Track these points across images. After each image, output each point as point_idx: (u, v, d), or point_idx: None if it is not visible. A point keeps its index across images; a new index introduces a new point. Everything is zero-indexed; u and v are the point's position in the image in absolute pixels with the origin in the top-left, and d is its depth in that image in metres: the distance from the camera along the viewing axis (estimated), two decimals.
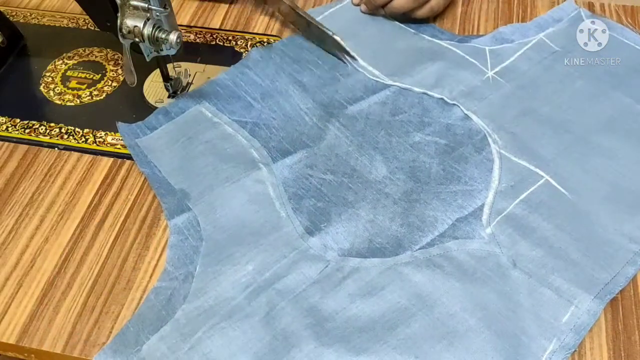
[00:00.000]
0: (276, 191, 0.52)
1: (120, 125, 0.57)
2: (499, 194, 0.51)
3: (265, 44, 0.66)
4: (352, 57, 0.61)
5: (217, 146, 0.55)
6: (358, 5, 0.67)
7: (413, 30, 0.65)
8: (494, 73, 0.60)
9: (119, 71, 0.63)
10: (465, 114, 0.57)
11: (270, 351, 0.43)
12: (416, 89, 0.59)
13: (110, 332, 0.45)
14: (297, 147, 0.56)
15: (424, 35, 0.64)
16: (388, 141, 0.56)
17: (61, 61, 0.65)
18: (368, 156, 0.55)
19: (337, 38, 0.61)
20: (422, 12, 0.64)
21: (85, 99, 0.61)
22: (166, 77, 0.58)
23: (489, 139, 0.55)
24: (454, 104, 0.58)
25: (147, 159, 0.55)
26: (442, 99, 0.58)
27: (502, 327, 0.43)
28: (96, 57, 0.65)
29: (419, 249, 0.48)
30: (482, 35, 0.65)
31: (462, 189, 0.52)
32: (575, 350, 0.43)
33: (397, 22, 0.66)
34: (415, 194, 0.52)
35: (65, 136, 0.58)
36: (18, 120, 0.59)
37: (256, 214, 0.51)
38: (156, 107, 0.59)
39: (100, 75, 0.63)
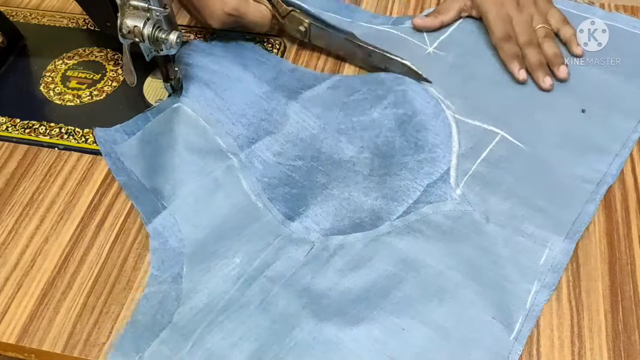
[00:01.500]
0: (249, 183, 0.52)
1: (97, 130, 0.55)
2: (462, 157, 0.54)
3: (265, 44, 0.66)
4: (426, 80, 0.59)
5: (182, 134, 0.54)
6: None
7: (349, 20, 0.66)
8: (433, 48, 0.63)
9: (119, 71, 0.63)
10: (417, 81, 0.59)
11: (272, 335, 0.44)
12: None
13: (110, 332, 0.45)
14: (260, 134, 0.55)
15: (361, 23, 0.65)
16: (349, 121, 0.57)
17: (61, 61, 0.65)
18: (332, 138, 0.56)
19: (407, 63, 0.59)
20: (569, 32, 0.61)
21: (85, 99, 0.61)
22: (166, 77, 0.58)
23: (443, 105, 0.57)
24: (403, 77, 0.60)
25: (122, 166, 0.54)
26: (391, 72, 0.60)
27: (487, 278, 0.46)
28: (96, 57, 0.65)
29: (397, 218, 0.50)
30: (412, 16, 0.66)
31: (427, 156, 0.53)
32: (554, 289, 0.46)
33: (330, 13, 0.66)
34: (384, 167, 0.53)
35: (65, 136, 0.58)
36: (18, 120, 0.59)
37: (233, 208, 0.51)
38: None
39: (100, 75, 0.63)
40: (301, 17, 0.61)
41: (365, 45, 0.60)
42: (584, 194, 0.51)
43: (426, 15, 0.65)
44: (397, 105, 0.57)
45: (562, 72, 0.58)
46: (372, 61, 0.60)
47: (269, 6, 0.61)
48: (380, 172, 0.53)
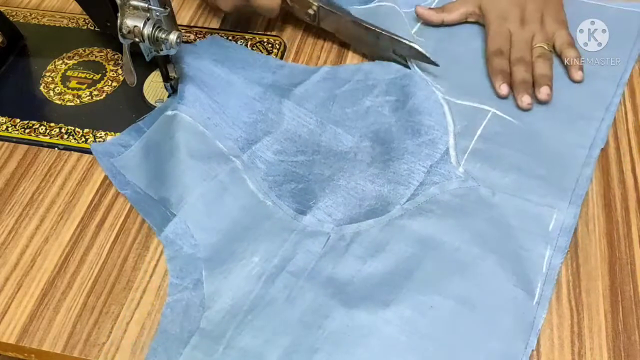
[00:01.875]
0: (255, 183, 0.52)
1: (94, 146, 0.55)
2: (458, 136, 0.55)
3: (266, 44, 0.66)
4: (434, 63, 0.58)
5: (182, 141, 0.53)
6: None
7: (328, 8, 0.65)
8: (414, 33, 0.64)
9: (119, 71, 0.63)
10: (404, 65, 0.60)
11: (304, 328, 0.44)
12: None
13: (110, 332, 0.45)
14: (259, 135, 0.56)
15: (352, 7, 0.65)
16: (343, 112, 0.57)
17: (61, 61, 0.65)
18: (330, 131, 0.56)
19: (415, 46, 0.58)
20: (572, 53, 0.60)
21: (85, 99, 0.61)
22: (166, 77, 0.58)
23: (432, 87, 0.58)
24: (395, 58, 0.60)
25: (125, 179, 0.53)
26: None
27: (502, 249, 0.48)
28: (96, 57, 0.65)
29: (407, 201, 0.51)
30: None
31: (425, 139, 0.54)
32: (568, 250, 0.48)
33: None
34: (386, 153, 0.54)
35: (65, 136, 0.58)
36: (18, 120, 0.59)
37: (243, 209, 0.51)
38: (156, 107, 0.59)
39: (100, 75, 0.63)
40: (310, 0, 0.61)
41: (373, 28, 0.60)
42: (579, 158, 0.53)
43: (430, 8, 0.65)
44: (389, 93, 0.58)
45: (542, 93, 0.57)
46: (380, 44, 0.60)
47: None
48: (383, 158, 0.54)
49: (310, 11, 0.62)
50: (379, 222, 0.50)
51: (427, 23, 0.65)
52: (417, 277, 0.46)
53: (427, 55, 0.58)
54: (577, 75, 0.59)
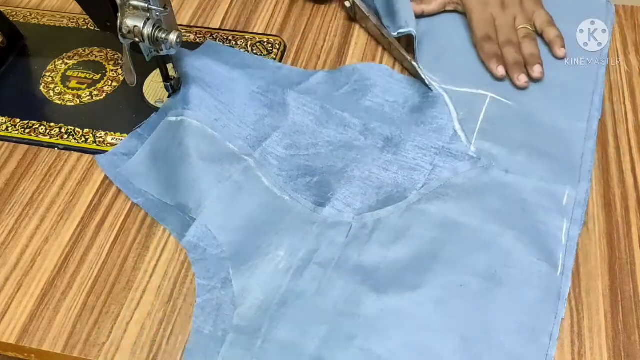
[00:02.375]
0: (270, 180, 0.53)
1: (98, 158, 0.55)
2: (463, 121, 0.56)
3: (266, 44, 0.66)
4: (428, 82, 0.59)
5: (192, 145, 0.53)
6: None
7: None
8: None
9: (119, 71, 0.63)
10: (411, 60, 0.60)
11: (339, 316, 0.45)
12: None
13: (110, 332, 0.45)
14: (267, 131, 0.56)
15: None
16: (346, 105, 0.58)
17: (61, 61, 0.65)
18: (337, 116, 0.56)
19: (415, 64, 0.59)
20: (553, 33, 0.62)
21: (85, 99, 0.61)
22: (166, 77, 0.58)
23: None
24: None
25: (135, 187, 0.53)
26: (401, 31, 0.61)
27: (521, 225, 0.49)
28: (96, 57, 0.65)
29: (422, 187, 0.52)
30: None
31: (430, 127, 0.56)
32: (584, 222, 0.49)
33: None
34: (396, 137, 0.55)
35: (65, 136, 0.58)
36: (18, 120, 0.59)
37: (261, 207, 0.51)
38: (156, 107, 0.59)
39: (100, 75, 0.63)
40: None
41: (387, 37, 0.61)
42: (580, 132, 0.55)
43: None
44: (386, 94, 0.59)
45: (535, 71, 0.59)
46: (393, 53, 0.61)
47: None
48: (393, 142, 0.54)
49: (347, 4, 0.65)
50: (398, 208, 0.51)
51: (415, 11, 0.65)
52: (442, 259, 0.47)
53: (424, 78, 0.59)
54: (560, 52, 0.61)
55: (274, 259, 0.48)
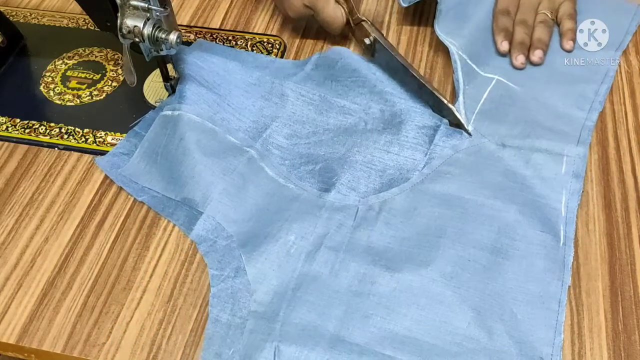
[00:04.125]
0: (273, 169, 0.53)
1: (98, 160, 0.55)
2: (467, 96, 0.57)
3: (266, 44, 0.66)
4: (467, 132, 0.56)
5: (192, 139, 0.53)
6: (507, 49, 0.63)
7: None
8: None
9: (119, 71, 0.63)
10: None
11: (354, 296, 0.46)
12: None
13: (110, 332, 0.45)
14: (267, 121, 0.56)
15: None
16: (345, 85, 0.58)
17: (61, 61, 0.65)
18: (336, 104, 0.57)
19: (454, 110, 0.55)
20: (569, 25, 0.63)
21: (85, 99, 0.61)
22: (166, 77, 0.58)
23: (447, 42, 0.60)
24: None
25: (139, 186, 0.53)
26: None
27: (522, 198, 0.50)
28: (96, 57, 0.65)
29: (424, 166, 0.53)
30: None
31: (432, 99, 0.56)
32: (582, 191, 0.51)
33: None
34: (396, 116, 0.55)
35: (65, 136, 0.58)
36: (18, 120, 0.59)
37: (268, 196, 0.52)
38: (156, 107, 0.59)
39: (100, 75, 0.63)
40: (369, 30, 0.60)
41: (418, 78, 0.57)
42: (579, 121, 0.56)
43: None
44: (383, 82, 0.59)
45: (535, 55, 0.60)
46: (422, 95, 0.57)
47: (346, 10, 0.62)
48: (394, 122, 0.55)
49: (367, 41, 0.60)
50: (402, 189, 0.52)
51: None
52: (450, 235, 0.48)
53: (463, 122, 0.55)
54: (568, 44, 0.62)
55: (286, 243, 0.48)
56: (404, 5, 0.64)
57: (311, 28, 0.67)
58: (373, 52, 0.61)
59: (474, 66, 0.60)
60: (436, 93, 0.56)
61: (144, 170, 0.54)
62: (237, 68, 0.59)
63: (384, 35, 0.64)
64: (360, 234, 0.49)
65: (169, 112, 0.55)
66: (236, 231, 0.50)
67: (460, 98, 0.57)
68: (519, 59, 0.60)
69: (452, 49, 0.60)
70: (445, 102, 0.55)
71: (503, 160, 0.53)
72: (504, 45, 0.61)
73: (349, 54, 0.59)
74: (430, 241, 0.48)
